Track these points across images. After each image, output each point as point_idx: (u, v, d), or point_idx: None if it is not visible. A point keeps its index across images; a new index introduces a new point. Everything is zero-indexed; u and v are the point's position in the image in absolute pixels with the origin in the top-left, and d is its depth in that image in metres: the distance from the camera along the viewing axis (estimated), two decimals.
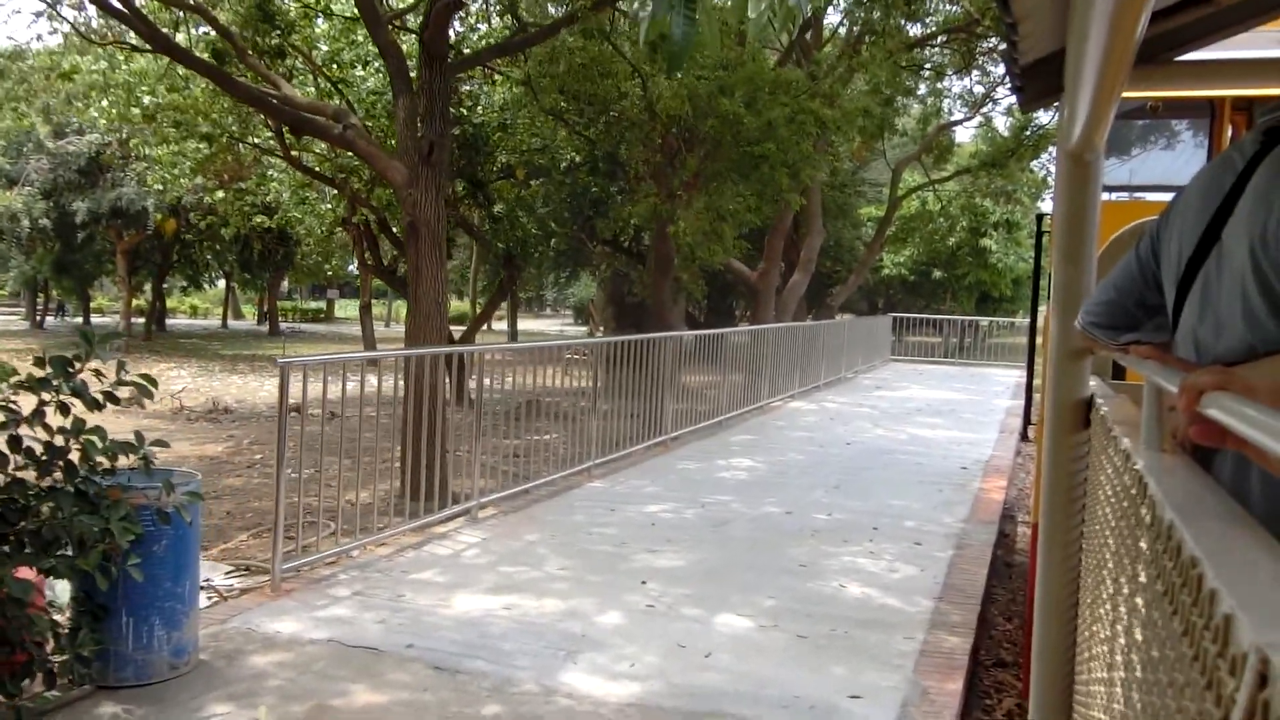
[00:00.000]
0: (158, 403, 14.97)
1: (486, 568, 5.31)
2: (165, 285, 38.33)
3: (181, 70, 10.81)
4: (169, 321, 39.52)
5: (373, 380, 7.08)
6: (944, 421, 12.30)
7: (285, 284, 49.92)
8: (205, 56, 9.91)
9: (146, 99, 11.83)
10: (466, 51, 10.93)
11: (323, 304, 49.20)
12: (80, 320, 37.63)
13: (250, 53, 9.27)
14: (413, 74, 8.15)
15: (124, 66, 11.17)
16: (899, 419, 12.34)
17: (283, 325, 40.24)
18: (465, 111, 12.54)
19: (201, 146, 12.67)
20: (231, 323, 42.63)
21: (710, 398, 11.22)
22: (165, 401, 14.90)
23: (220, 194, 16.80)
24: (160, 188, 16.17)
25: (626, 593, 4.94)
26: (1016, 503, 8.95)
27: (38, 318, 36.28)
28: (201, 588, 5.83)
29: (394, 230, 13.44)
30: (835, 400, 14.18)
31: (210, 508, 8.20)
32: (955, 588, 5.26)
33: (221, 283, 41.92)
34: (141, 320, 32.16)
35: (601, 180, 13.91)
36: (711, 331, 12.32)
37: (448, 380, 7.30)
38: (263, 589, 4.90)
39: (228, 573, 5.98)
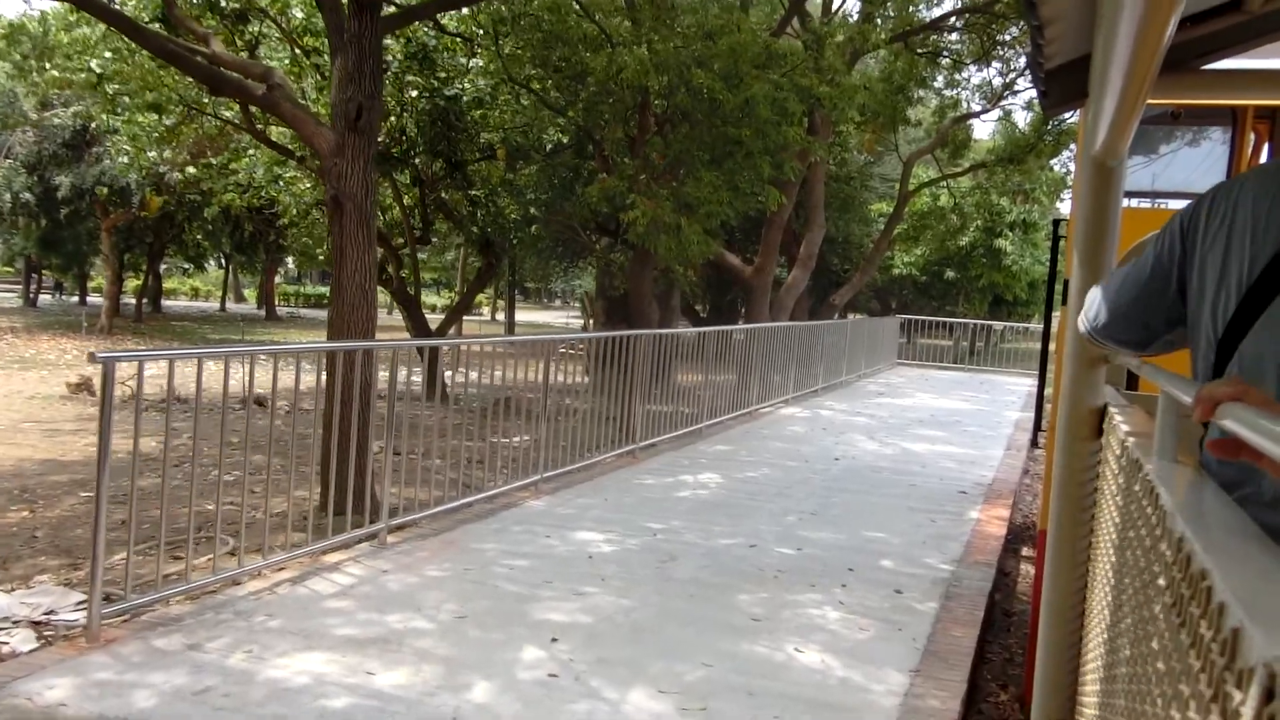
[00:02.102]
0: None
1: (364, 613, 4.36)
2: (165, 267, 37.54)
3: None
4: (167, 303, 38.75)
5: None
6: (947, 435, 11.29)
7: (293, 267, 49.08)
8: (146, 18, 9.02)
9: (94, 65, 10.94)
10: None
11: (327, 289, 48.36)
12: (76, 299, 36.90)
13: (180, 5, 8.35)
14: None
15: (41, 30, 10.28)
16: (897, 431, 11.34)
17: (280, 309, 39.45)
18: (437, 84, 11.59)
19: (152, 118, 11.76)
20: (232, 306, 41.90)
21: (694, 400, 10.25)
22: (119, 389, 14.01)
23: (191, 169, 15.91)
24: (125, 160, 15.24)
25: (528, 654, 3.99)
26: (1021, 532, 7.96)
27: (30, 295, 35.58)
28: (36, 622, 4.96)
29: None
30: (832, 407, 13.17)
31: (108, 513, 7.30)
32: (938, 655, 4.29)
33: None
34: (132, 301, 31.29)
35: (587, 163, 12.93)
36: (693, 330, 11.34)
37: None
38: (76, 639, 3.98)
39: (79, 603, 5.08)
